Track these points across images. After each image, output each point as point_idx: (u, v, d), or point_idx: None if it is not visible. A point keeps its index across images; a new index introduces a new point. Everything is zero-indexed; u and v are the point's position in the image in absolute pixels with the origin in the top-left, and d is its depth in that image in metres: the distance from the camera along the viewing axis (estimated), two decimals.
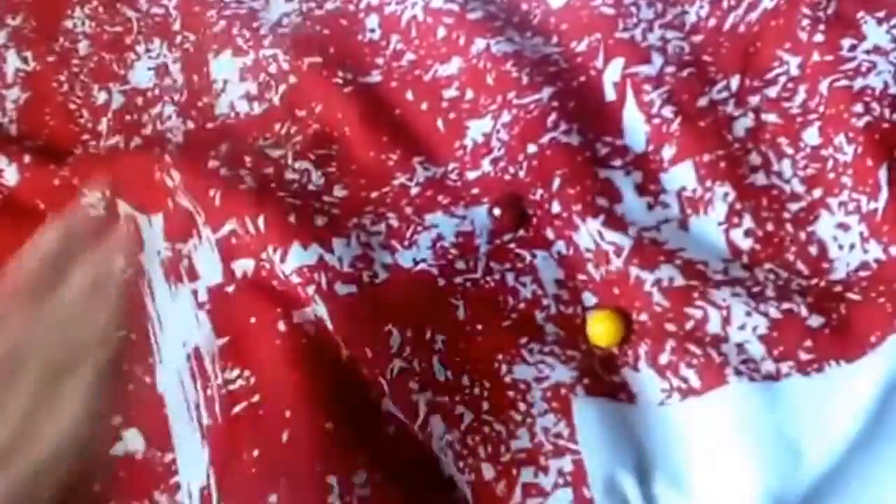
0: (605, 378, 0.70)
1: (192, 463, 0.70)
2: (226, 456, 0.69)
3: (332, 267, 0.72)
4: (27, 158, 0.85)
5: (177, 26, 0.90)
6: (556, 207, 0.74)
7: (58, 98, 0.89)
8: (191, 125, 0.86)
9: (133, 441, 0.72)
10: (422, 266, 0.74)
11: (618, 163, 0.76)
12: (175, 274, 0.79)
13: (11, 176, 0.84)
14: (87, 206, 0.81)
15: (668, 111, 0.75)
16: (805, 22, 0.76)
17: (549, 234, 0.75)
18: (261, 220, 0.75)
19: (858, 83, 0.74)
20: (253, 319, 0.74)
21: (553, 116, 0.76)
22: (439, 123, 0.82)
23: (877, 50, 0.75)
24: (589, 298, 0.73)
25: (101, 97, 0.89)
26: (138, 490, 0.70)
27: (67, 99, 0.89)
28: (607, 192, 0.74)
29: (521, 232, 0.76)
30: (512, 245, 0.76)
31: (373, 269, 0.73)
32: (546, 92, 0.77)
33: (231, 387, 0.71)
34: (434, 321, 0.71)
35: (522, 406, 0.67)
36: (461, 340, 0.71)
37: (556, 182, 0.74)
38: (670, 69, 0.77)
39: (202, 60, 0.88)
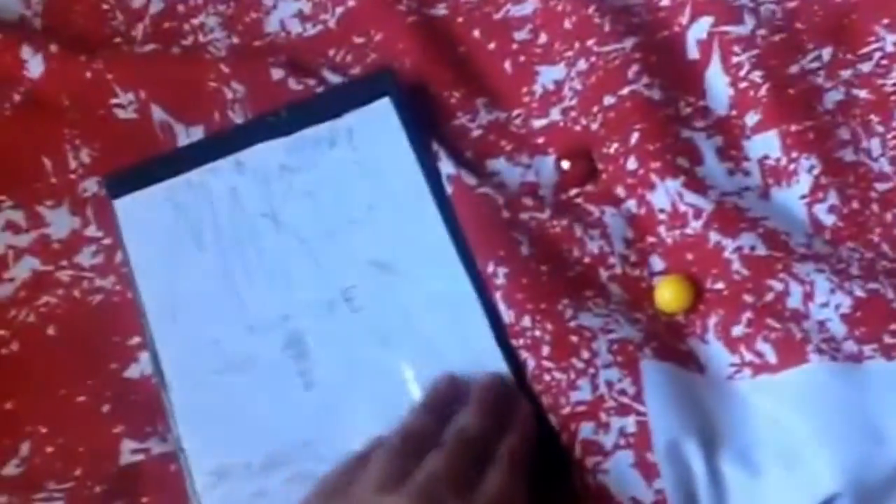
0: (673, 344, 0.65)
1: None
2: None
3: None
4: (54, 48, 0.79)
5: None
6: (631, 164, 0.70)
7: None
8: (236, 40, 0.81)
9: None
10: (485, 189, 0.70)
11: (700, 124, 0.72)
12: None
13: (36, 67, 0.79)
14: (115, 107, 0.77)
15: (756, 76, 0.71)
16: None
17: (620, 191, 0.71)
18: None
19: None
20: None
21: (635, 68, 0.72)
22: (507, 66, 0.78)
23: None
24: (657, 263, 0.69)
25: (138, 0, 0.83)
26: None
27: None
28: (689, 153, 0.70)
29: (589, 186, 0.72)
30: (579, 200, 0.71)
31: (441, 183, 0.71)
32: (629, 42, 0.74)
33: None
34: (496, 252, 0.67)
35: (586, 354, 0.63)
36: (524, 276, 0.66)
37: (635, 137, 0.70)
38: (762, 32, 0.73)
39: None
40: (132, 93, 0.77)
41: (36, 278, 0.75)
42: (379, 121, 0.73)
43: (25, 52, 0.79)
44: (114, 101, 0.78)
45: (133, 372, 0.71)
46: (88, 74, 0.78)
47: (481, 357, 0.66)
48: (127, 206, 0.74)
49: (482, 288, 0.67)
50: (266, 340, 0.68)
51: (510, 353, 0.65)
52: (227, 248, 0.71)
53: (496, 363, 0.65)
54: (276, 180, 0.73)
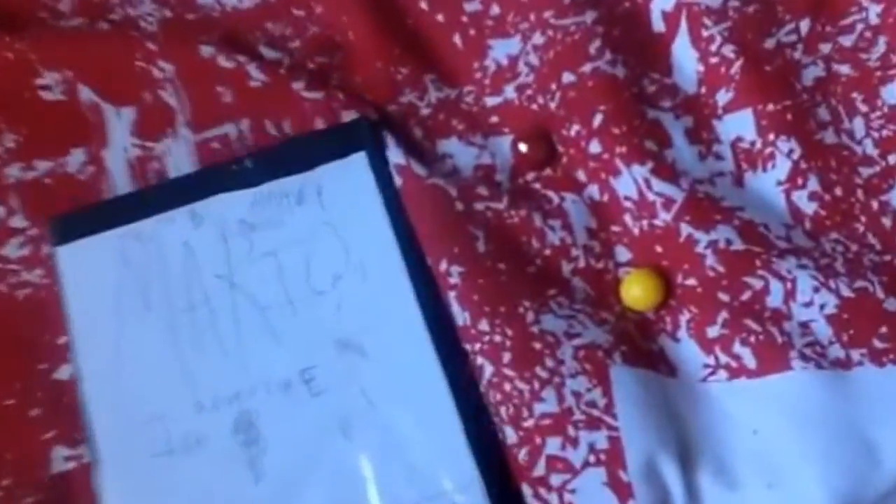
0: (643, 346, 0.60)
1: None
2: None
3: None
4: None
5: None
6: (594, 147, 0.64)
7: None
8: (168, 13, 0.75)
9: None
10: (436, 181, 0.64)
11: (667, 104, 0.67)
12: (142, 176, 0.69)
13: None
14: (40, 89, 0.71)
15: (728, 50, 0.66)
16: None
17: (581, 175, 0.66)
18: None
19: None
20: None
21: (597, 43, 0.67)
22: (456, 39, 0.72)
23: None
24: (622, 253, 0.64)
25: None
26: None
27: None
28: (656, 136, 0.65)
29: (548, 171, 0.66)
30: (537, 185, 0.66)
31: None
32: (589, 15, 0.68)
33: None
34: (450, 249, 0.62)
35: (550, 362, 0.58)
36: (480, 276, 0.61)
37: (598, 118, 0.65)
38: (734, 3, 0.68)
39: None
40: (58, 73, 0.71)
41: None
42: (352, 177, 0.66)
43: None
44: (39, 81, 0.72)
45: (63, 373, 0.64)
46: (10, 55, 0.71)
47: (448, 456, 0.59)
48: (70, 254, 0.66)
49: (455, 375, 0.61)
50: (214, 421, 0.61)
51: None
52: (177, 310, 0.64)
53: (464, 464, 0.58)
54: (234, 237, 0.65)
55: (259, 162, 0.67)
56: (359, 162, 0.67)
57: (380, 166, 0.66)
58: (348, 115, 0.68)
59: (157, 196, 0.67)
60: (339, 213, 0.65)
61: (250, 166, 0.67)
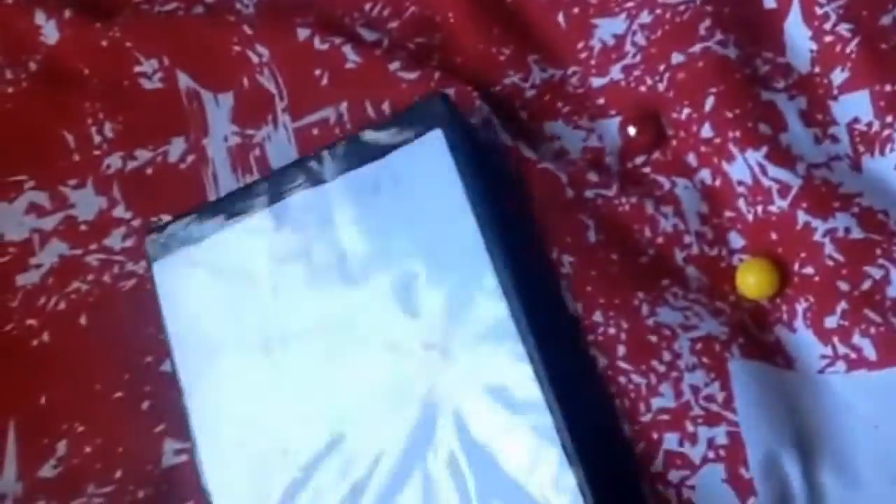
0: (759, 337, 0.59)
1: None
2: None
3: None
4: (68, 14, 0.73)
5: None
6: (706, 131, 0.63)
7: None
8: None
9: None
10: (547, 165, 0.63)
11: (780, 84, 0.65)
12: (243, 165, 0.70)
13: (51, 33, 0.73)
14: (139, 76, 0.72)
15: (843, 28, 0.64)
16: None
17: (692, 159, 0.64)
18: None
19: None
20: None
21: (707, 22, 0.65)
22: (560, 18, 0.70)
23: None
24: (736, 240, 0.63)
25: None
26: None
27: None
28: (771, 119, 0.63)
29: (657, 154, 0.65)
30: (647, 169, 0.65)
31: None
32: None
33: None
34: (562, 238, 0.61)
35: (667, 356, 0.58)
36: (593, 267, 0.60)
37: (710, 101, 0.63)
38: None
39: None
40: (155, 60, 0.71)
41: (64, 263, 0.70)
42: (428, 160, 0.62)
43: (39, 17, 0.73)
44: (137, 69, 0.72)
45: (169, 366, 0.64)
46: (105, 43, 0.72)
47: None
48: (162, 271, 0.66)
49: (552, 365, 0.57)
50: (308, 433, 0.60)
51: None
52: (268, 318, 0.63)
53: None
54: (316, 236, 0.64)
55: (335, 154, 0.64)
56: (435, 141, 0.62)
57: (459, 144, 0.62)
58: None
59: (238, 200, 0.66)
60: (416, 201, 0.61)
61: (328, 159, 0.64)
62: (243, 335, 0.62)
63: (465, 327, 0.58)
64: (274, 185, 0.65)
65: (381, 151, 0.63)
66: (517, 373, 0.56)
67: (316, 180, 0.63)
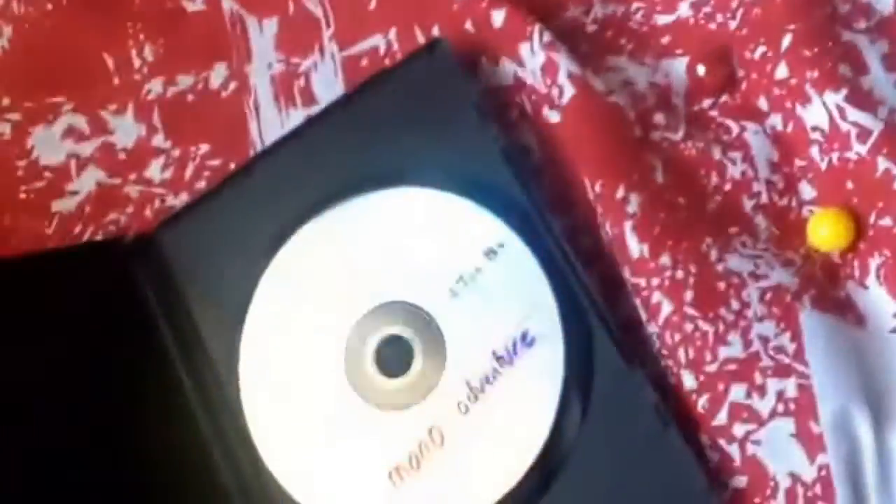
0: (830, 291, 0.57)
1: None
2: None
3: None
4: None
5: None
6: (781, 72, 0.60)
7: None
8: None
9: None
10: (616, 99, 0.60)
11: (861, 25, 0.61)
12: (287, 95, 0.67)
13: None
14: None
15: None
16: None
17: (763, 103, 0.61)
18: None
19: None
20: None
21: None
22: None
23: None
24: (807, 190, 0.60)
25: None
26: None
27: None
28: (851, 60, 0.60)
29: (725, 97, 0.62)
30: (714, 113, 0.62)
31: (557, 82, 0.60)
32: None
33: None
34: (629, 176, 0.58)
35: (736, 304, 0.55)
36: (661, 208, 0.57)
37: (787, 40, 0.60)
38: None
39: None
40: None
41: (101, 192, 0.67)
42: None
43: None
44: None
45: None
46: None
47: None
48: None
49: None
50: None
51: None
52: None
53: None
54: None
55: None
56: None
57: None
58: (499, 16, 0.63)
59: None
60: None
61: None
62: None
63: None
64: None
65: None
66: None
67: None
